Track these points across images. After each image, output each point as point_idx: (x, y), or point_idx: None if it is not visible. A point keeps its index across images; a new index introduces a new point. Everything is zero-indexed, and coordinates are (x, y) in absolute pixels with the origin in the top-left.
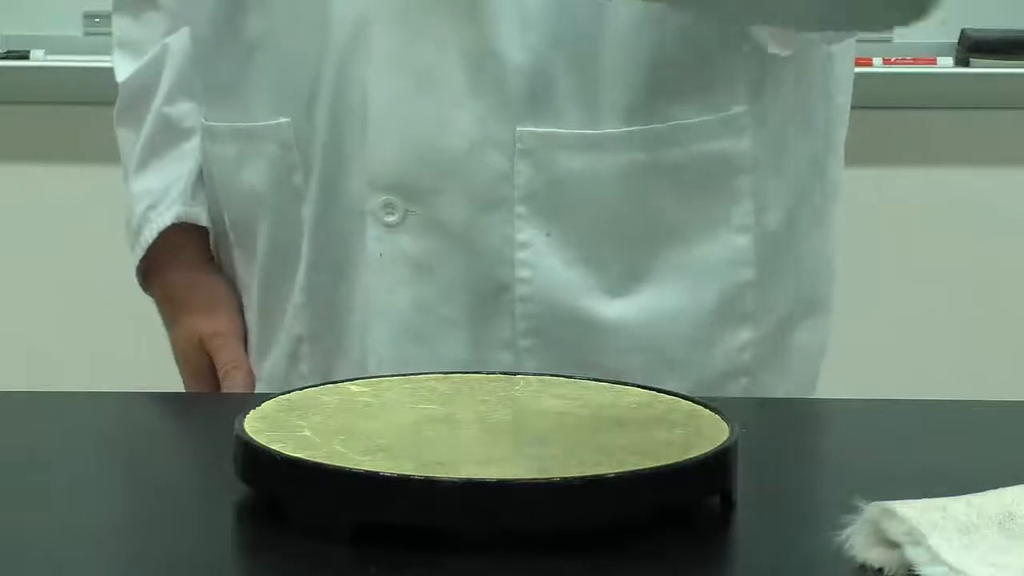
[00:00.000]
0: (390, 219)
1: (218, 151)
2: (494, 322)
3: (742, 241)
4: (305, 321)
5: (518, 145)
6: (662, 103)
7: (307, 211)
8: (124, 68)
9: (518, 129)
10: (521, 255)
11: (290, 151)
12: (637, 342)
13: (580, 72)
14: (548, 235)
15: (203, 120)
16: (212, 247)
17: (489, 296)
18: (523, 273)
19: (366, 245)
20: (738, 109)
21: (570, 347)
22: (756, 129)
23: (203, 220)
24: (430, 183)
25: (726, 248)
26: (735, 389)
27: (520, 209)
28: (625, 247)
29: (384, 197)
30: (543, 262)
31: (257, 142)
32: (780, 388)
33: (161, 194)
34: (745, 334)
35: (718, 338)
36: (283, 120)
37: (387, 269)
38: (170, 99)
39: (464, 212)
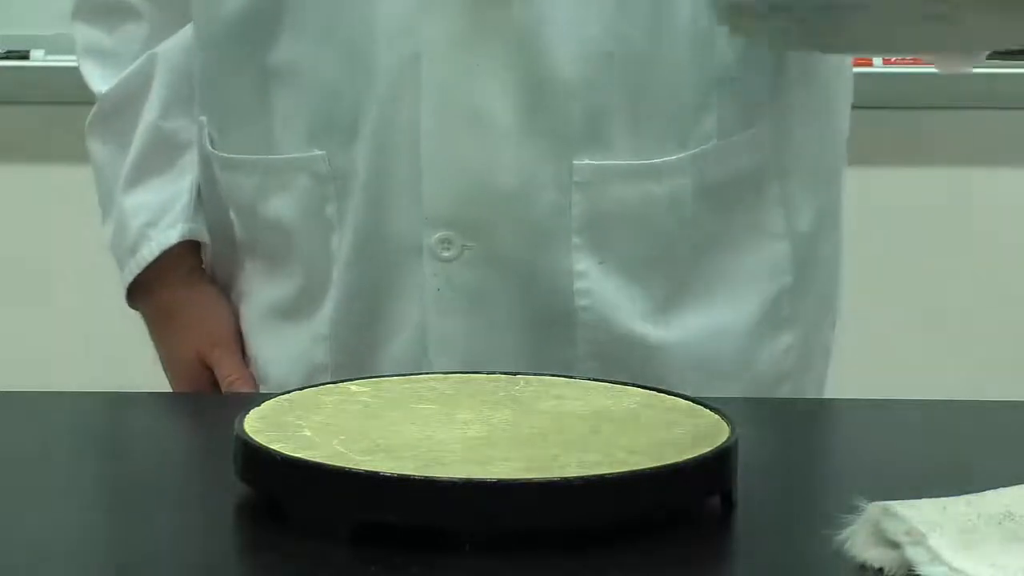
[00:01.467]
0: (446, 254)
1: (233, 180)
2: (553, 348)
3: (779, 248)
4: (328, 351)
5: (575, 178)
6: (704, 127)
7: (339, 242)
8: (102, 78)
9: (575, 162)
10: (580, 284)
11: (324, 183)
12: (691, 358)
13: (633, 102)
14: (601, 263)
15: (210, 147)
16: (208, 261)
17: (548, 324)
18: (583, 302)
19: (422, 279)
20: (762, 121)
21: (629, 368)
22: (780, 137)
23: (206, 237)
24: (487, 219)
25: (765, 257)
26: (781, 394)
27: (576, 240)
28: (671, 268)
29: (441, 233)
30: (599, 289)
31: (284, 174)
32: (810, 388)
33: (160, 211)
34: (786, 338)
35: (763, 345)
36: (318, 153)
37: (445, 302)
38: (165, 113)
39: (521, 245)
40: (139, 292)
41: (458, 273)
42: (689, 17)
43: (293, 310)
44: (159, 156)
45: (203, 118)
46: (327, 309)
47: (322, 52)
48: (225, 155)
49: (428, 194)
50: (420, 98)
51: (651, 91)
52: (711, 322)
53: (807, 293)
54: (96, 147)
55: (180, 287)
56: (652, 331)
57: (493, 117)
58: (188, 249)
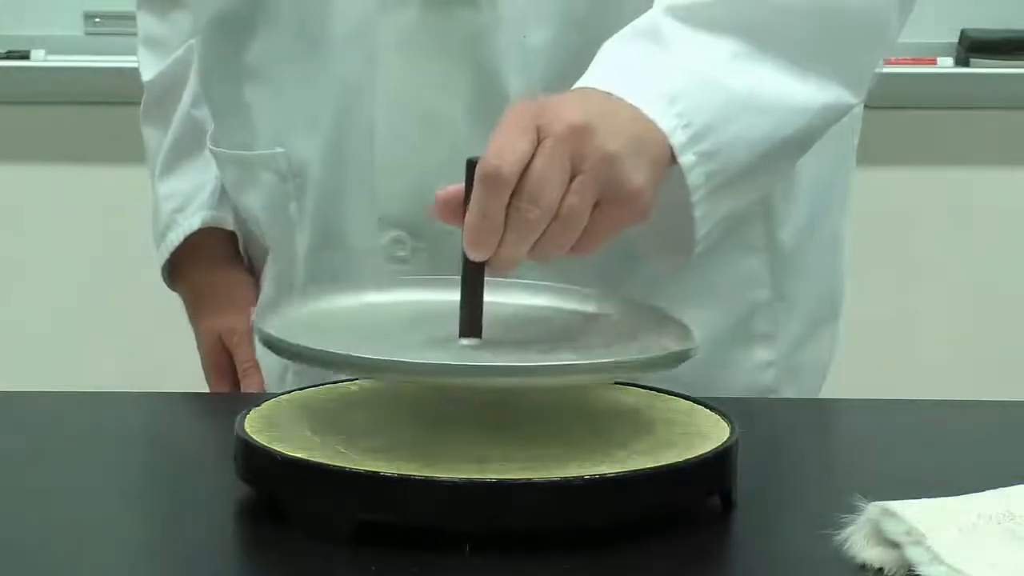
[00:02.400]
0: (400, 254)
1: (222, 174)
2: None
3: (755, 263)
4: None
5: None
6: None
7: (300, 241)
8: (150, 66)
9: None
10: None
11: (285, 180)
12: None
13: None
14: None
15: (207, 141)
16: (242, 247)
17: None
18: None
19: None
20: None
21: None
22: None
23: (229, 224)
24: (437, 221)
25: (738, 271)
26: None
27: None
28: (631, 277)
29: (393, 233)
30: None
31: (252, 170)
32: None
33: (188, 197)
34: (764, 354)
35: (734, 359)
36: (279, 150)
37: None
38: (197, 102)
39: None
40: (175, 274)
41: (411, 274)
42: None
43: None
44: (190, 143)
45: None
46: None
47: (290, 51)
48: (214, 148)
49: (381, 195)
50: (375, 99)
51: None
52: None
53: (792, 307)
54: (147, 133)
55: (208, 272)
56: None
57: (444, 119)
58: (218, 235)
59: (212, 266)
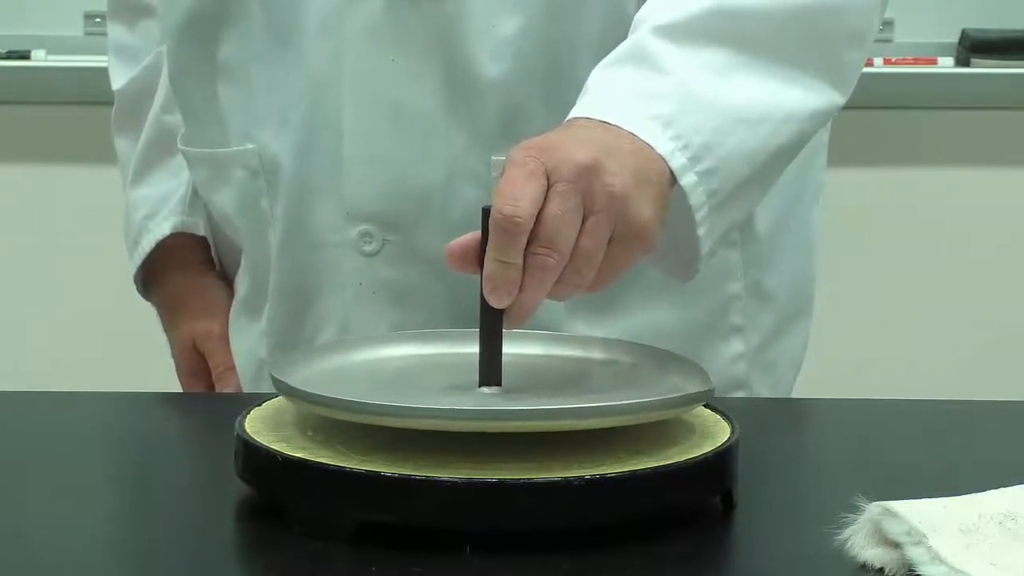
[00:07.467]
0: (368, 248)
1: (193, 175)
2: None
3: (730, 256)
4: (265, 346)
5: (493, 174)
6: None
7: (273, 237)
8: (120, 75)
9: (493, 159)
10: None
11: (256, 177)
12: None
13: (552, 100)
14: None
15: (179, 143)
16: (213, 252)
17: (471, 320)
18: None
19: (342, 273)
20: None
21: None
22: None
23: (200, 230)
24: (407, 214)
25: (714, 264)
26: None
27: None
28: None
29: (362, 227)
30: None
31: (224, 168)
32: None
33: (159, 203)
34: (738, 346)
35: (709, 352)
36: (250, 146)
37: (367, 296)
38: (167, 107)
39: (442, 240)
40: (148, 282)
41: (380, 267)
42: (603, 19)
43: (250, 306)
44: (160, 149)
45: None
46: (268, 305)
47: (260, 48)
48: (185, 149)
49: (349, 188)
50: (343, 92)
51: (567, 92)
52: (646, 326)
53: (765, 301)
54: (118, 142)
55: (181, 277)
56: (582, 331)
57: (413, 111)
58: (190, 241)
59: (184, 271)
